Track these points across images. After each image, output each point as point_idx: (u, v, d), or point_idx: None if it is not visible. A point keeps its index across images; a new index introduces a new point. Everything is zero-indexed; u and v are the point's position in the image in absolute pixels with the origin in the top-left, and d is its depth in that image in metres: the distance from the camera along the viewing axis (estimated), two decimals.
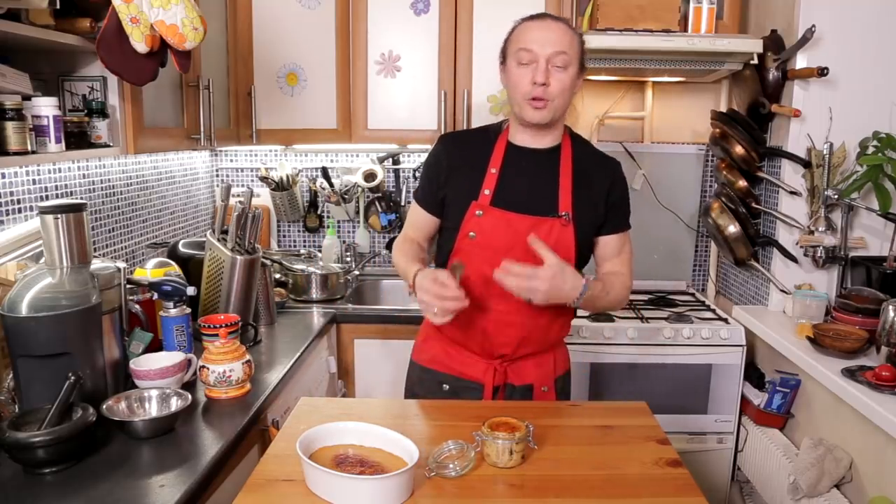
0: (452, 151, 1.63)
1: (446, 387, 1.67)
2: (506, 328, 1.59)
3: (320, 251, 2.88)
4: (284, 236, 3.03)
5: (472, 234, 1.57)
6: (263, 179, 2.84)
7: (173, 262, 1.89)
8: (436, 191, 1.62)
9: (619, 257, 1.67)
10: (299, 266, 2.60)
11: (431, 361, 1.70)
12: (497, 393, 1.65)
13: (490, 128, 1.67)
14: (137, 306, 1.61)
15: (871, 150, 2.14)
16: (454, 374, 1.67)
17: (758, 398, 2.28)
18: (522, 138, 1.60)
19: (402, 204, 2.94)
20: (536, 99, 1.50)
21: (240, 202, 2.02)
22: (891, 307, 1.82)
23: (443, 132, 2.48)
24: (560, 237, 1.56)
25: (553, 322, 1.63)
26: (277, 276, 2.56)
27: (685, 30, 2.40)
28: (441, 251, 1.67)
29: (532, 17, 1.55)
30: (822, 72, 2.12)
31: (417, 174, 2.91)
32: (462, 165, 1.60)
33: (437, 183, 1.62)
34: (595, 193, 1.60)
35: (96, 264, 1.48)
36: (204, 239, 2.00)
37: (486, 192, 1.56)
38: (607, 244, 1.65)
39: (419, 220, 1.69)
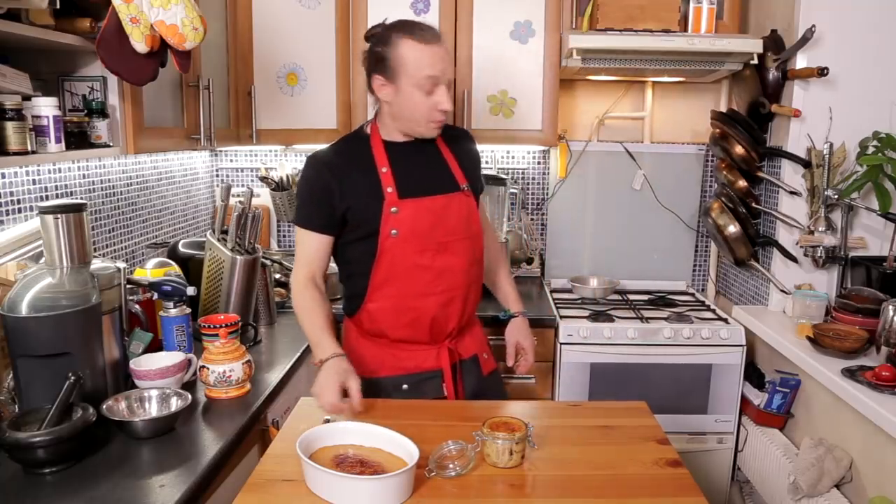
0: (332, 167, 1.60)
1: (405, 386, 1.65)
2: (450, 305, 1.64)
3: None
4: (284, 236, 3.03)
5: (393, 231, 1.57)
6: (263, 179, 2.83)
7: (173, 262, 1.89)
8: (333, 210, 1.58)
9: (487, 224, 1.82)
10: None
11: (380, 369, 1.66)
12: (456, 373, 1.67)
13: (353, 136, 1.71)
14: (137, 306, 1.61)
15: (871, 150, 2.14)
16: (408, 372, 1.66)
17: (758, 398, 2.28)
18: (397, 136, 1.64)
19: None
20: (440, 121, 1.59)
21: (240, 202, 2.02)
22: (891, 307, 1.82)
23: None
24: (470, 209, 1.66)
25: (476, 281, 1.71)
26: (277, 276, 2.55)
27: (685, 30, 2.40)
28: (358, 263, 1.63)
29: (425, 39, 1.52)
30: (822, 72, 2.12)
31: None
32: (351, 174, 1.59)
33: (330, 203, 1.58)
34: (471, 162, 1.74)
35: (96, 264, 1.48)
36: (204, 239, 2.00)
37: (389, 189, 1.58)
38: (480, 209, 1.76)
39: (315, 249, 1.62)
